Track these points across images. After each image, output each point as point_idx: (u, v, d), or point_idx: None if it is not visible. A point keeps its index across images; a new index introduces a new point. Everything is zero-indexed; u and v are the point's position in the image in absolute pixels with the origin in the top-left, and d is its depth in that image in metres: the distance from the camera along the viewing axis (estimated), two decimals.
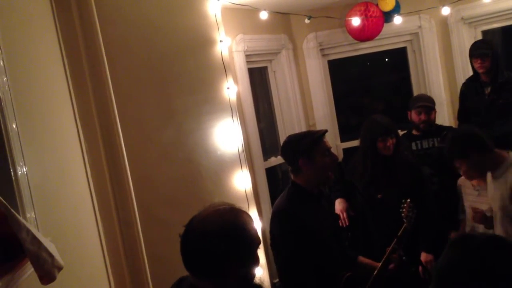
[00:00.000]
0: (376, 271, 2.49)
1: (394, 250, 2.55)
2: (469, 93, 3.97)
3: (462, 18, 4.45)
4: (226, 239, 1.44)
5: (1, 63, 1.77)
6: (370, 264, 2.62)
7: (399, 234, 2.64)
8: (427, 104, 3.69)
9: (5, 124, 1.73)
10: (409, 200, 2.78)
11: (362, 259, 2.66)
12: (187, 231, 1.49)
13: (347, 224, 3.39)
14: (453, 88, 4.51)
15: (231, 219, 1.49)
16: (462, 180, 3.17)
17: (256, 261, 1.54)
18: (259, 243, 1.55)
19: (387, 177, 3.22)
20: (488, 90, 3.82)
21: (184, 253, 1.49)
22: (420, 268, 3.11)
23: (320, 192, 2.57)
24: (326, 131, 2.53)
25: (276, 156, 4.20)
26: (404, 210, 2.75)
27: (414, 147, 3.72)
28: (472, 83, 3.94)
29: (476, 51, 3.79)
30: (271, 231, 2.52)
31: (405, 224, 2.69)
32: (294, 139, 2.57)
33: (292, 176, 2.52)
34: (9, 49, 1.87)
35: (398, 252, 2.56)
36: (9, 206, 1.44)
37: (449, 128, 3.87)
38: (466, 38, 4.46)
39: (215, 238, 1.44)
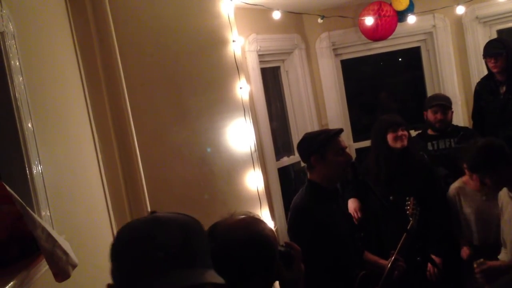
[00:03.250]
0: (383, 276, 2.48)
1: (396, 260, 2.52)
2: (484, 92, 3.92)
3: (477, 17, 4.41)
4: (253, 249, 1.40)
5: (17, 63, 1.79)
6: (375, 262, 2.61)
7: (408, 228, 2.64)
8: (444, 103, 3.64)
9: (20, 123, 1.75)
10: (412, 197, 2.77)
11: (367, 255, 2.66)
12: (210, 237, 1.38)
13: (361, 223, 3.38)
14: (468, 88, 4.47)
15: (258, 230, 1.45)
16: (457, 188, 3.14)
17: (276, 275, 1.48)
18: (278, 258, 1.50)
19: (400, 178, 3.21)
20: (503, 89, 3.78)
21: None
22: (428, 271, 3.09)
23: (336, 190, 2.57)
24: (341, 130, 2.53)
25: (288, 156, 4.19)
26: (408, 208, 2.74)
27: (430, 147, 3.68)
28: (487, 82, 3.90)
29: (490, 50, 3.75)
30: (288, 229, 2.53)
31: (411, 222, 2.68)
32: (309, 137, 2.58)
33: (308, 174, 2.53)
34: (25, 49, 1.90)
35: (402, 260, 2.54)
36: (25, 205, 1.46)
37: (465, 128, 3.82)
38: (480, 37, 4.41)
39: (243, 247, 1.40)
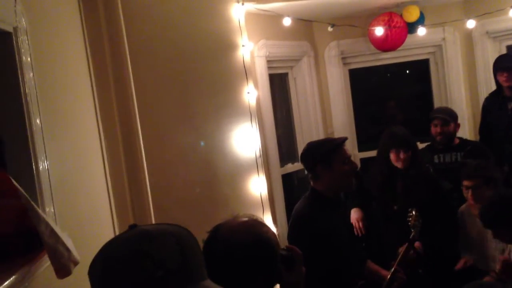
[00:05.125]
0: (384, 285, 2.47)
1: (396, 271, 2.51)
2: (491, 108, 3.92)
3: (487, 32, 4.40)
4: (256, 251, 1.40)
5: (28, 59, 1.80)
6: (377, 271, 2.59)
7: (409, 238, 2.63)
8: (443, 117, 3.64)
9: (29, 119, 1.76)
10: (415, 209, 2.77)
11: (370, 264, 2.64)
12: (213, 238, 1.44)
13: (363, 233, 3.37)
14: (475, 103, 4.46)
15: (261, 232, 1.46)
16: (465, 207, 3.13)
17: (277, 278, 1.48)
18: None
19: (404, 190, 3.20)
20: (511, 105, 3.77)
21: (207, 261, 1.44)
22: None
23: (339, 199, 2.56)
24: (346, 138, 2.53)
25: (293, 163, 4.19)
26: (411, 219, 2.74)
27: (436, 160, 3.67)
28: (495, 98, 3.89)
29: (503, 64, 3.74)
30: (288, 236, 2.52)
31: (413, 233, 2.68)
32: (313, 146, 2.57)
33: (311, 182, 2.52)
34: (36, 45, 1.91)
35: (402, 272, 2.52)
36: (30, 199, 1.47)
37: (474, 143, 3.81)
38: (490, 52, 4.41)
39: (245, 249, 1.40)
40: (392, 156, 3.19)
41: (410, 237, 2.67)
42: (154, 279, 0.90)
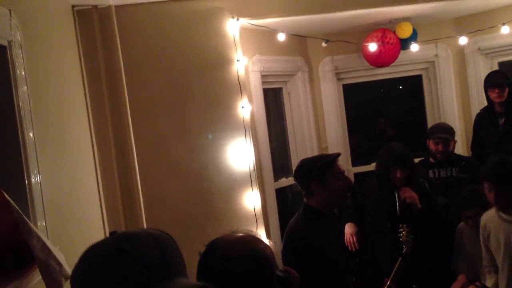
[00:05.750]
0: None
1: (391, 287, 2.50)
2: (483, 123, 3.94)
3: (479, 49, 4.45)
4: (253, 267, 1.39)
5: (23, 73, 1.81)
6: None
7: (400, 257, 2.62)
8: (446, 137, 3.63)
9: (22, 133, 1.76)
10: (405, 225, 2.76)
11: None
12: (211, 252, 1.43)
13: (357, 248, 3.35)
14: (468, 118, 4.49)
15: (258, 248, 1.44)
16: (463, 224, 3.14)
17: None
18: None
19: (401, 206, 3.19)
20: (502, 120, 3.80)
21: (202, 274, 1.42)
22: None
23: (333, 214, 2.56)
24: (339, 154, 2.53)
25: (287, 177, 4.19)
26: (402, 235, 2.73)
27: (431, 175, 3.67)
28: (487, 114, 3.92)
29: (494, 80, 3.78)
30: (283, 251, 2.51)
31: (405, 249, 2.67)
32: (307, 163, 2.57)
33: (304, 199, 2.51)
34: (31, 59, 1.92)
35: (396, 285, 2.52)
36: (22, 213, 1.46)
37: (468, 158, 3.82)
38: (482, 69, 4.45)
39: (242, 264, 1.38)
40: (392, 174, 3.18)
41: (403, 252, 2.67)
42: (133, 273, 0.93)
